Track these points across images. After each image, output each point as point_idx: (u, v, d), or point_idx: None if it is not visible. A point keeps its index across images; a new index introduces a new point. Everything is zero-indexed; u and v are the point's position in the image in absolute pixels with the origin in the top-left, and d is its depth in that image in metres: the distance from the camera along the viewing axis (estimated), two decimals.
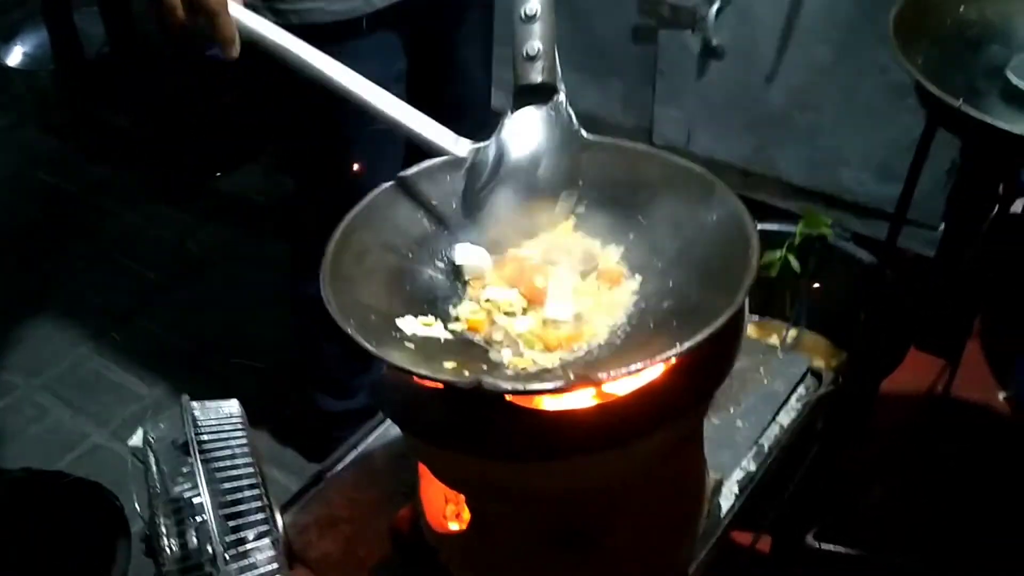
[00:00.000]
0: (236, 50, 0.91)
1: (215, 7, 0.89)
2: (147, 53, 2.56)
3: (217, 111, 2.57)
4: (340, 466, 1.23)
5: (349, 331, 0.78)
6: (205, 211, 2.63)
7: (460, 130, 0.97)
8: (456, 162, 0.97)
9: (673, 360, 0.75)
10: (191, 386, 2.13)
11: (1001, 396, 1.88)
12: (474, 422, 0.80)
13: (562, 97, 0.96)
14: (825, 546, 1.49)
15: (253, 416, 2.08)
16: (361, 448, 1.25)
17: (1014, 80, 1.19)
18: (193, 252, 2.51)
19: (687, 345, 0.75)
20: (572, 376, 0.73)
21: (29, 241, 2.59)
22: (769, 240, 1.73)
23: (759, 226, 0.87)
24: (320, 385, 1.81)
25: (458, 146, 0.95)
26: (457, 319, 0.89)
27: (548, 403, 0.81)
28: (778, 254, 1.71)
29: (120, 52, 2.56)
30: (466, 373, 0.79)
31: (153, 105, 2.57)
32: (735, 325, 0.86)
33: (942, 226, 1.82)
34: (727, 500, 1.14)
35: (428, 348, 0.84)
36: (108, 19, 2.56)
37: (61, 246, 2.56)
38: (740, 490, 1.16)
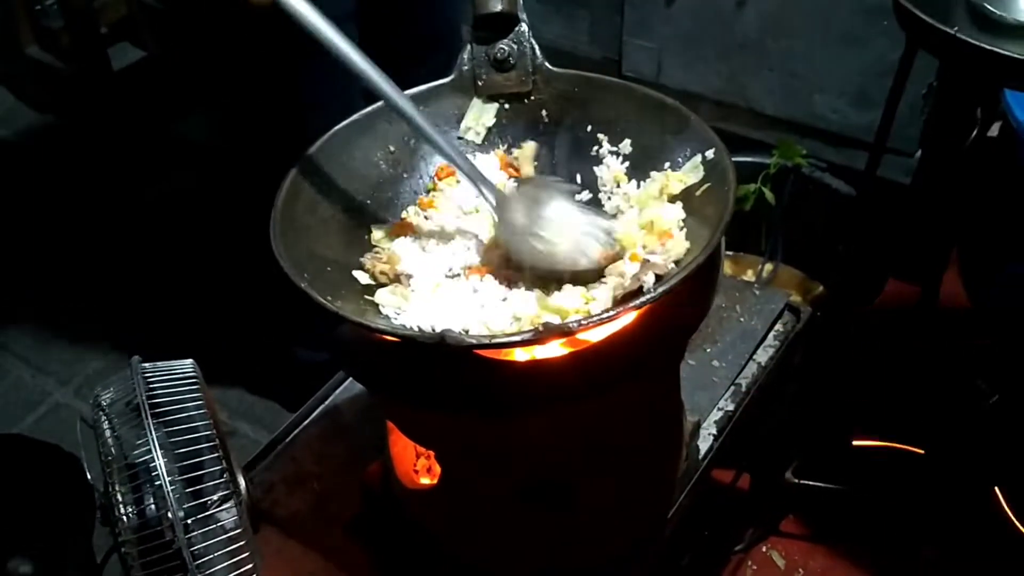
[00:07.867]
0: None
1: None
2: None
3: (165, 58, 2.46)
4: (307, 421, 1.19)
5: (303, 286, 0.73)
6: (159, 159, 2.53)
7: (432, 64, 0.90)
8: (419, 96, 0.91)
9: (646, 306, 0.71)
10: (158, 343, 2.09)
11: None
12: (440, 377, 0.75)
13: (524, 28, 0.91)
14: (804, 482, 1.48)
15: (226, 370, 1.99)
16: (328, 402, 1.21)
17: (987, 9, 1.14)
18: (151, 202, 2.42)
19: (660, 290, 0.71)
20: (541, 327, 0.69)
21: None
22: (743, 173, 1.68)
23: (733, 159, 0.83)
24: (296, 337, 1.77)
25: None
26: None
27: (518, 355, 0.77)
28: (752, 187, 1.67)
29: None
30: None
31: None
32: (711, 265, 0.83)
33: (918, 153, 1.79)
34: (705, 442, 1.11)
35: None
36: None
37: (12, 199, 2.46)
38: (719, 431, 1.13)
